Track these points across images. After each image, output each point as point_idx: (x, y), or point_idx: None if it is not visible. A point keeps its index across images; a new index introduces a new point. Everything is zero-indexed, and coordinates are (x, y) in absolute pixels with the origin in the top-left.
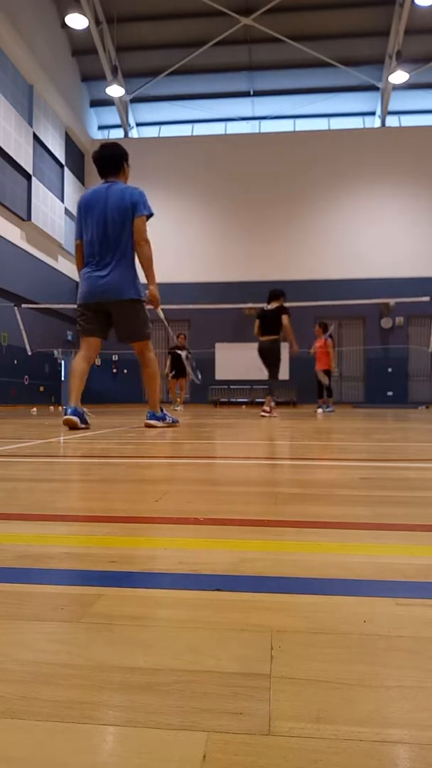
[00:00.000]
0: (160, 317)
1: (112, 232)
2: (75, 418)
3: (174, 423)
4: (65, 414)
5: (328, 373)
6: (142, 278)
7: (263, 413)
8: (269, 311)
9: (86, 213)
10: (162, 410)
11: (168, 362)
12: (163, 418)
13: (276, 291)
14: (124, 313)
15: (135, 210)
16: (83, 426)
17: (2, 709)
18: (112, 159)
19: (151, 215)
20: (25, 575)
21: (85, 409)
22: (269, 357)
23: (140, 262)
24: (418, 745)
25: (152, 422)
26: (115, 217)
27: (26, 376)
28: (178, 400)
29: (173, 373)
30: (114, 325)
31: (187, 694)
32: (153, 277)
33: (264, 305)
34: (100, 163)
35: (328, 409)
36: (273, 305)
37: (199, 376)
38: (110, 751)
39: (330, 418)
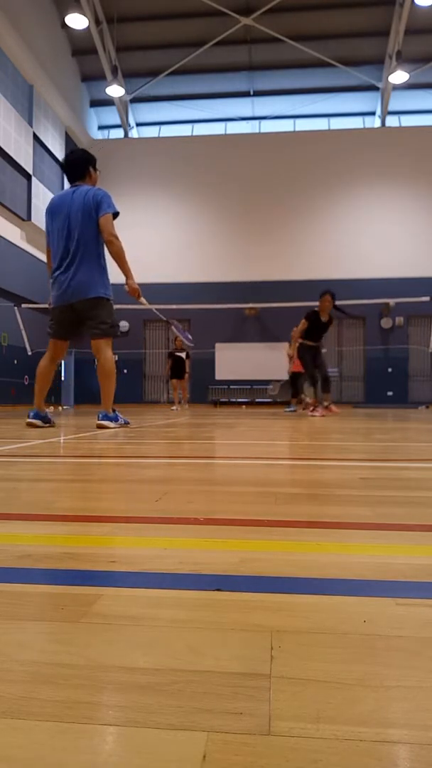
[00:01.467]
0: (144, 304)
1: (76, 233)
2: (36, 421)
3: (126, 424)
4: (28, 417)
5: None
6: (119, 278)
7: (314, 413)
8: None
9: (52, 218)
10: (114, 411)
11: (168, 365)
12: (115, 419)
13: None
14: (89, 310)
15: (99, 209)
16: (47, 425)
17: (2, 709)
18: (77, 164)
19: (116, 214)
20: (25, 575)
21: (48, 410)
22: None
23: (113, 258)
24: (418, 745)
25: (104, 423)
26: (79, 218)
27: (26, 376)
28: (179, 401)
29: (170, 374)
30: (81, 324)
31: (187, 694)
32: (129, 270)
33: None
34: (67, 169)
35: (289, 409)
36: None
37: (189, 337)
38: (110, 751)
39: (330, 418)
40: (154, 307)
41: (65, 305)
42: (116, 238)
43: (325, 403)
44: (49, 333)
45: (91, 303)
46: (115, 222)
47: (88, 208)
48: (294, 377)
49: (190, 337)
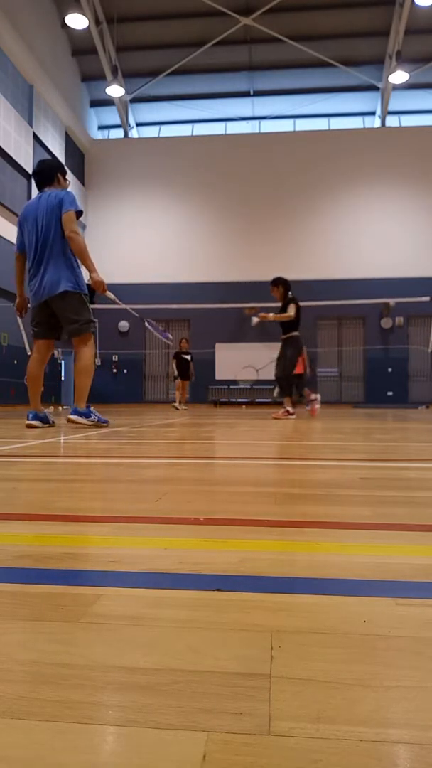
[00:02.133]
0: (111, 298)
1: (44, 234)
2: (36, 423)
3: (103, 423)
4: (27, 419)
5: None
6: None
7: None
8: None
9: (24, 224)
10: (88, 407)
11: (174, 365)
12: (87, 415)
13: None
14: (63, 306)
15: (62, 208)
16: (47, 425)
17: (2, 709)
18: (44, 172)
19: (79, 212)
20: (25, 575)
21: (47, 411)
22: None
23: (75, 254)
24: (418, 745)
25: (74, 418)
26: (45, 219)
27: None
28: (181, 401)
29: (176, 375)
30: (59, 322)
31: (187, 694)
32: (92, 264)
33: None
34: (36, 178)
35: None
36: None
37: (168, 336)
38: (110, 751)
39: (330, 418)
40: (129, 306)
41: (41, 303)
42: (77, 233)
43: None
44: (33, 335)
45: (60, 298)
46: (116, 222)
47: (51, 208)
48: (297, 378)
49: (169, 336)
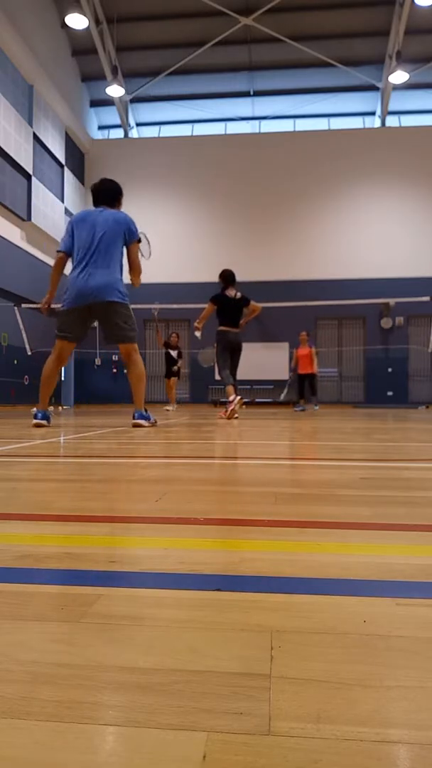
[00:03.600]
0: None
1: (101, 244)
2: (44, 422)
3: (154, 423)
4: (35, 418)
5: (309, 377)
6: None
7: (235, 416)
8: (235, 299)
9: (76, 227)
10: (146, 410)
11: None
12: (148, 418)
13: (232, 273)
14: (112, 313)
15: (129, 232)
16: (48, 425)
17: (2, 709)
18: (109, 193)
19: (139, 240)
20: (25, 575)
21: (50, 410)
22: (239, 353)
23: (135, 273)
24: (418, 745)
25: (140, 422)
26: (106, 231)
27: (26, 376)
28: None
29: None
30: (102, 327)
31: (187, 694)
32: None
33: (230, 291)
34: (99, 195)
35: (298, 408)
36: (237, 293)
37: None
38: (110, 751)
39: (330, 418)
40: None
41: (82, 307)
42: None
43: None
44: (58, 335)
45: (109, 305)
46: None
47: (117, 223)
48: (301, 378)
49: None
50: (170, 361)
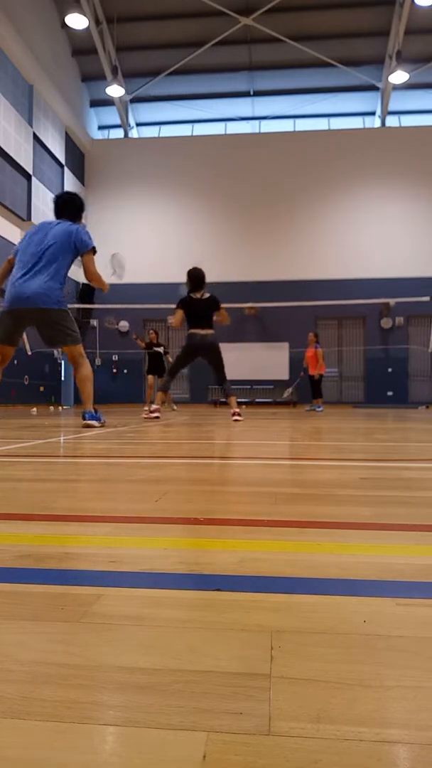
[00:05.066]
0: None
1: (47, 250)
2: None
3: (104, 424)
4: None
5: (311, 378)
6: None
7: (237, 417)
8: (202, 300)
9: (32, 235)
10: (96, 411)
11: (144, 361)
12: (99, 419)
13: (202, 273)
14: (55, 319)
15: (82, 241)
16: None
17: (2, 709)
18: (70, 207)
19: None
20: (25, 575)
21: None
22: (215, 354)
23: (94, 282)
24: (418, 745)
25: (91, 422)
26: (56, 239)
27: (26, 376)
28: (151, 401)
29: (147, 370)
30: (40, 333)
31: (187, 694)
32: (105, 284)
33: (196, 294)
34: (62, 206)
35: (319, 409)
36: (206, 293)
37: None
38: (110, 751)
39: (330, 418)
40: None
41: (18, 310)
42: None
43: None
44: None
45: (48, 312)
46: (116, 222)
47: (68, 234)
48: (312, 379)
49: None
50: (153, 358)
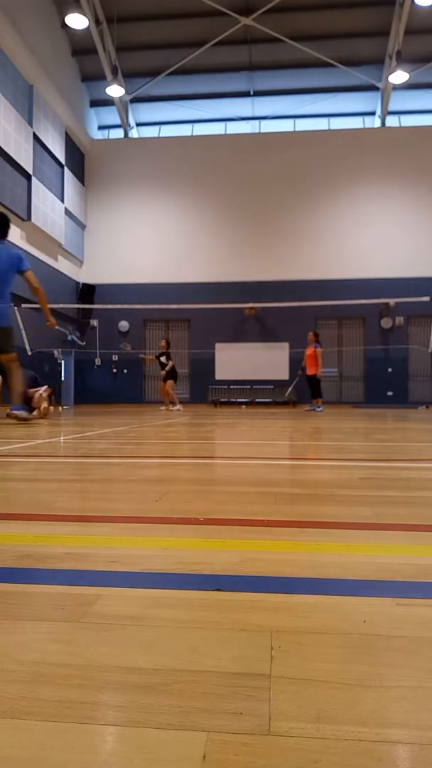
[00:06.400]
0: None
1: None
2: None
3: (30, 417)
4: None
5: (308, 378)
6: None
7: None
8: None
9: None
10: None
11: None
12: (24, 409)
13: None
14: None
15: (21, 264)
16: None
17: (2, 709)
18: (4, 227)
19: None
20: (25, 575)
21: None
22: None
23: (41, 302)
24: (418, 745)
25: (17, 413)
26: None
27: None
28: (164, 403)
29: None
30: None
31: (187, 694)
32: (48, 310)
33: None
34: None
35: (318, 409)
36: None
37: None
38: (110, 751)
39: (329, 418)
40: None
41: None
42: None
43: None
44: None
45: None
46: (116, 222)
47: (10, 259)
48: (311, 379)
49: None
50: (161, 367)
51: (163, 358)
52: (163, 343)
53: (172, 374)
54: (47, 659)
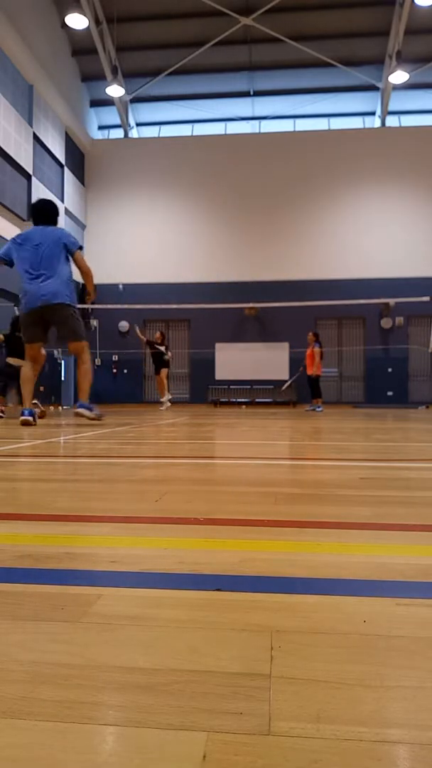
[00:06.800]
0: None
1: (47, 256)
2: (31, 419)
3: (99, 417)
4: (22, 415)
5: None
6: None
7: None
8: None
9: (21, 244)
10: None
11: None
12: (90, 409)
13: None
14: (63, 316)
15: (70, 244)
16: (35, 423)
17: (2, 709)
18: (50, 214)
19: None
20: (25, 575)
21: (35, 409)
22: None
23: (87, 280)
24: (418, 745)
25: (83, 411)
26: (49, 246)
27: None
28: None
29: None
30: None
31: (187, 694)
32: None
33: None
34: (42, 214)
35: (318, 409)
36: None
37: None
38: (110, 751)
39: (329, 418)
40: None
41: (34, 309)
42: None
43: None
44: (25, 339)
45: (59, 308)
46: (116, 222)
47: (57, 239)
48: (311, 379)
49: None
50: (158, 356)
51: (162, 347)
52: (158, 334)
53: (167, 364)
54: (47, 659)
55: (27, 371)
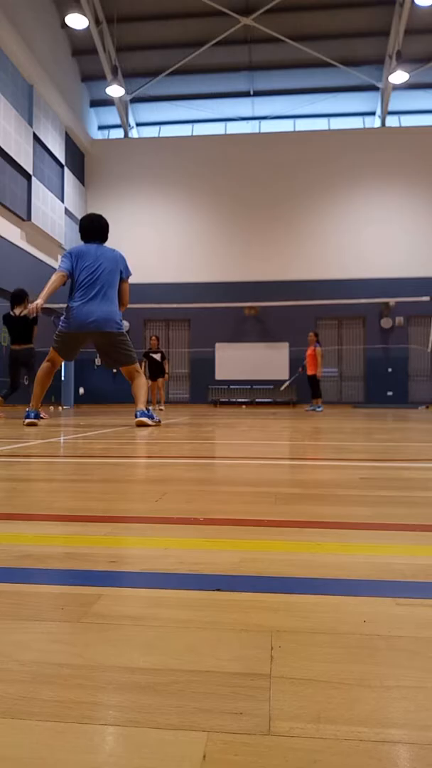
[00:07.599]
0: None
1: (102, 276)
2: (36, 421)
3: (158, 422)
4: (27, 417)
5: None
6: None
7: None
8: (17, 317)
9: (79, 257)
10: (149, 410)
11: (143, 366)
12: (151, 417)
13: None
14: (115, 342)
15: (125, 270)
16: (39, 424)
17: (2, 709)
18: (103, 232)
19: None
20: (25, 575)
21: (40, 411)
22: (24, 366)
23: (123, 303)
24: (418, 745)
25: (144, 419)
26: (106, 265)
27: (26, 376)
28: (157, 402)
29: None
30: (101, 353)
31: (187, 694)
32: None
33: (15, 310)
34: (93, 233)
35: (318, 409)
36: (23, 311)
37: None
38: (110, 751)
39: (329, 418)
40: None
41: (81, 333)
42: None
43: None
44: (56, 348)
45: (109, 334)
46: (116, 222)
47: (115, 260)
48: (310, 379)
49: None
50: (153, 364)
51: (157, 356)
52: (153, 340)
53: (164, 373)
54: (47, 659)
55: (43, 372)
